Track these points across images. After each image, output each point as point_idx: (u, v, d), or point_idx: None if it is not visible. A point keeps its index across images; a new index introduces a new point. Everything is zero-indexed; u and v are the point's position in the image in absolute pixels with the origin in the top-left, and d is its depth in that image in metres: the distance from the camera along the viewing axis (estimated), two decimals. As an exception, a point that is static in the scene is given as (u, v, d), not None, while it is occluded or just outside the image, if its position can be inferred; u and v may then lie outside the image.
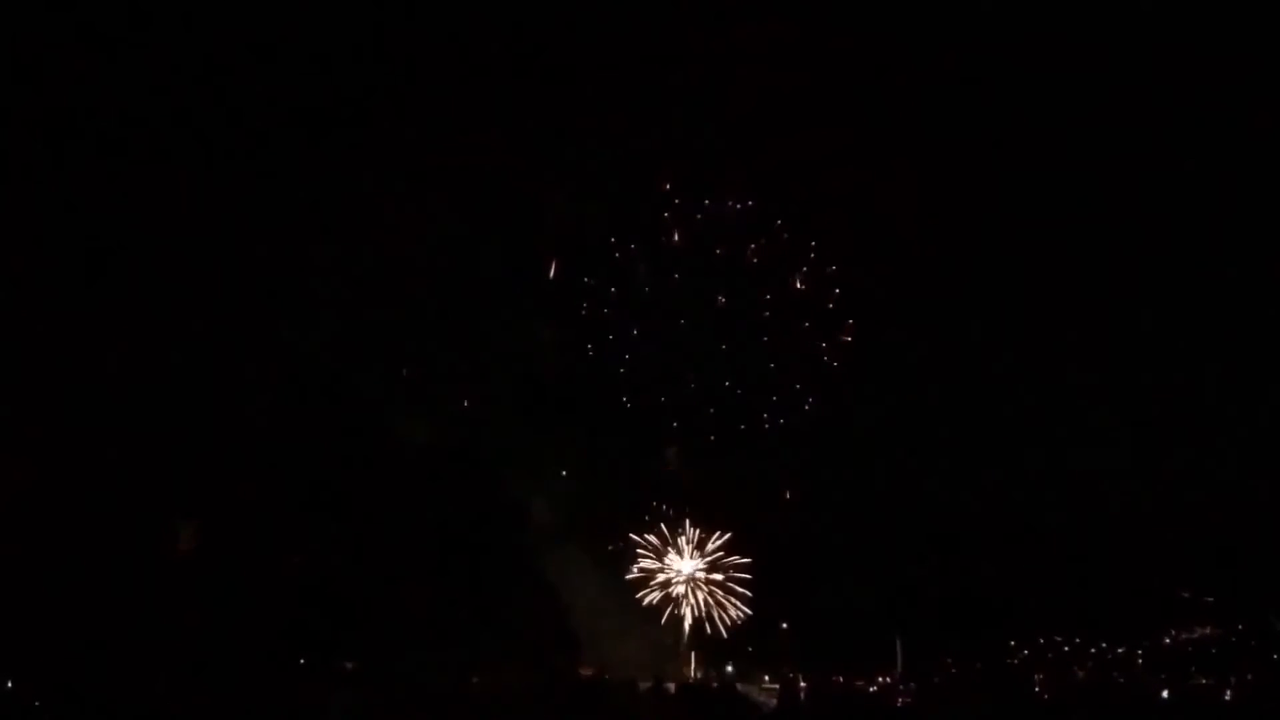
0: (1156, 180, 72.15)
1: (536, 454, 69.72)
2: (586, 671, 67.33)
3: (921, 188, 72.98)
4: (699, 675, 71.92)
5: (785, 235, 73.18)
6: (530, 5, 68.88)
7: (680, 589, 71.97)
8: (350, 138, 68.39)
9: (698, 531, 72.58)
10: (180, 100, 65.99)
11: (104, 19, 63.68)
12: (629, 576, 71.50)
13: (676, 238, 72.88)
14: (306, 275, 66.23)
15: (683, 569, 72.38)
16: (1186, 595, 72.81)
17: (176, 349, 64.50)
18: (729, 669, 73.00)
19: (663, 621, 71.62)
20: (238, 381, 65.10)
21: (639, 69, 69.83)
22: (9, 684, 58.10)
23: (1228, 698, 65.21)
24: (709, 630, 72.29)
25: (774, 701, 71.75)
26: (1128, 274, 73.85)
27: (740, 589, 72.25)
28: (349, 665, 64.09)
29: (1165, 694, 67.82)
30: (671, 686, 68.62)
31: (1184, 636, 71.26)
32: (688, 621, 71.75)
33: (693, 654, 72.33)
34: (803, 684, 72.65)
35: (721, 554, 72.43)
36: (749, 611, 72.19)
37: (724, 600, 72.27)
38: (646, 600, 71.44)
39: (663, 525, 72.63)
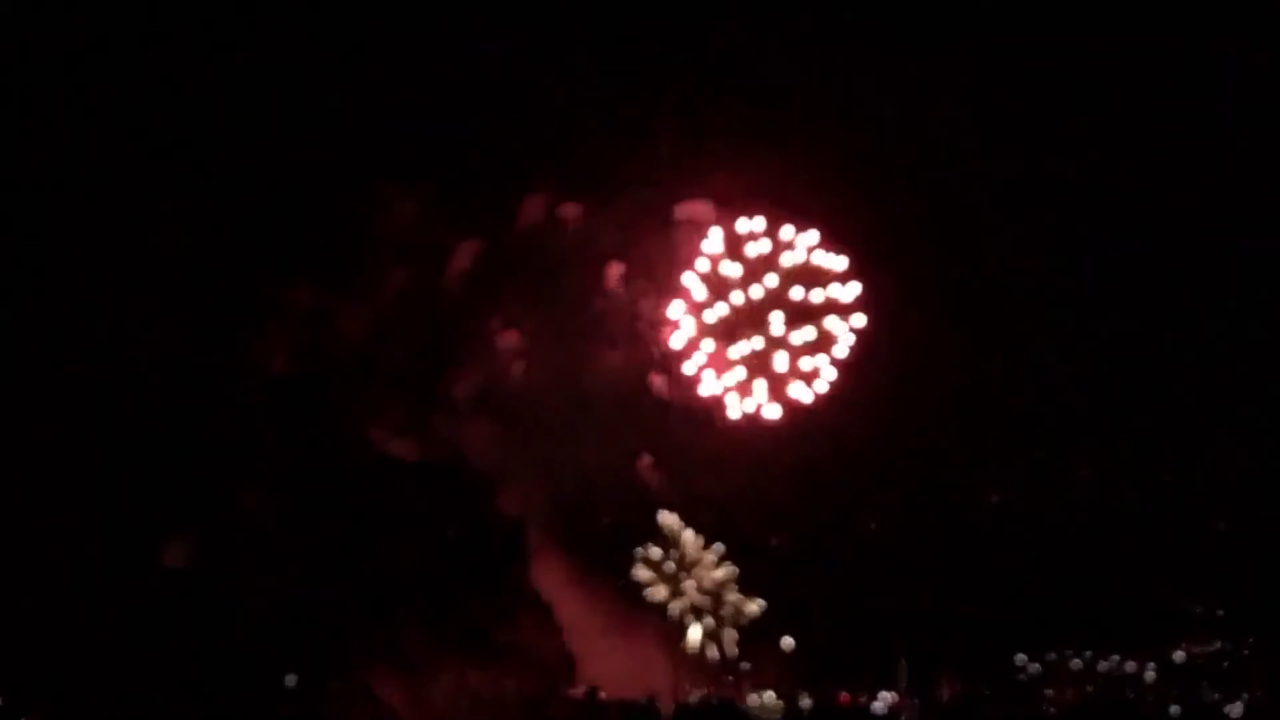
0: (1156, 178, 72.82)
1: (528, 466, 70.63)
2: (578, 690, 67.65)
3: (922, 190, 73.85)
4: (697, 693, 71.92)
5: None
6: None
7: (678, 604, 72.19)
8: (342, 144, 70.06)
9: (698, 543, 72.77)
10: (174, 102, 67.85)
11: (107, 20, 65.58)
12: (625, 590, 71.78)
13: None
14: (296, 286, 67.59)
15: (681, 584, 72.70)
16: (1198, 609, 72.77)
17: (169, 359, 66.00)
18: (730, 680, 72.69)
19: (659, 638, 71.74)
20: (227, 394, 66.34)
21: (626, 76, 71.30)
22: (-2, 702, 59.26)
23: (1234, 714, 64.90)
24: (708, 647, 72.36)
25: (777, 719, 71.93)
26: (1133, 276, 74.31)
27: (742, 604, 72.53)
28: (341, 682, 64.89)
29: (1177, 709, 67.52)
30: (670, 705, 68.79)
31: (1195, 650, 71.10)
32: (686, 638, 71.85)
33: (691, 671, 72.18)
34: (807, 701, 72.62)
35: (721, 570, 72.65)
36: (749, 626, 72.37)
37: (724, 615, 72.49)
38: (643, 616, 71.67)
39: (660, 538, 72.83)
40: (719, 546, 71.89)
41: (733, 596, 71.93)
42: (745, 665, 72.47)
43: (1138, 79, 72.41)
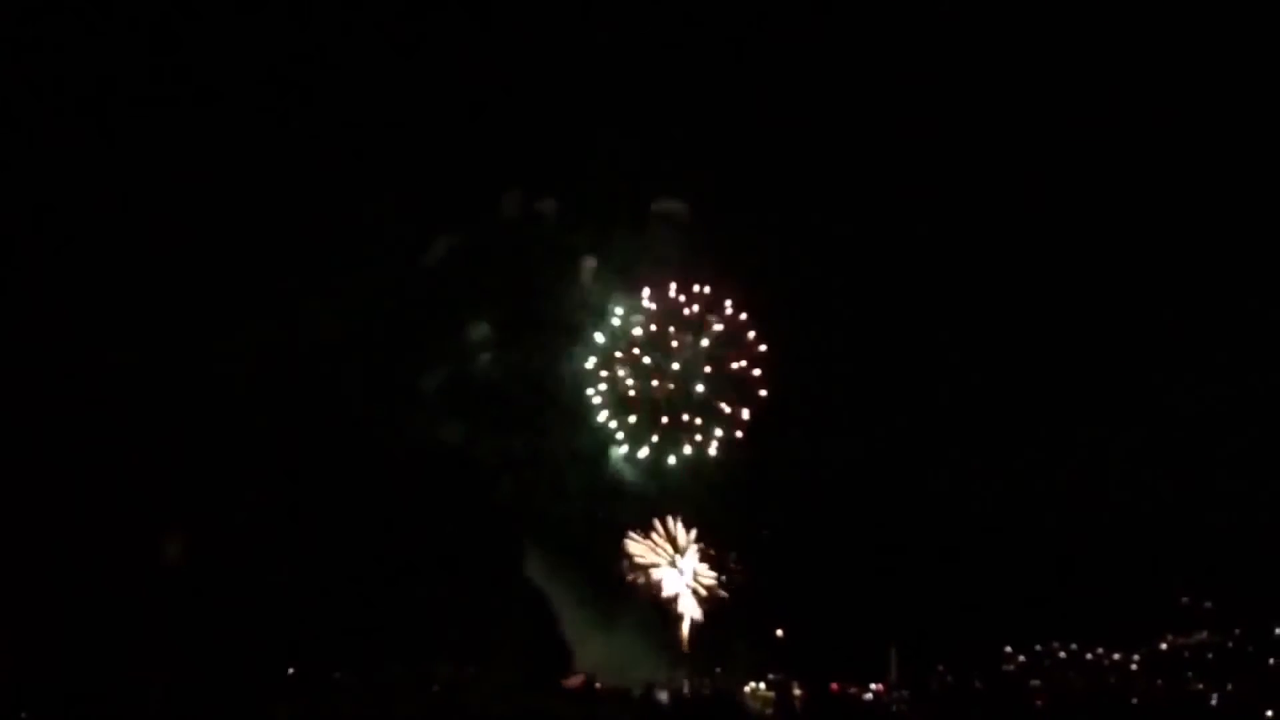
0: (1157, 180, 74.01)
1: (526, 459, 71.76)
2: (575, 680, 68.90)
3: (928, 184, 74.97)
4: (692, 683, 73.31)
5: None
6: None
7: (674, 593, 73.36)
8: (339, 147, 70.91)
9: (693, 535, 73.84)
10: (168, 100, 68.42)
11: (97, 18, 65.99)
12: (622, 581, 72.96)
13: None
14: (291, 284, 68.40)
15: (677, 573, 73.80)
16: (1185, 600, 74.43)
17: (165, 359, 66.71)
18: (718, 671, 74.05)
19: (656, 629, 72.99)
20: (226, 392, 67.17)
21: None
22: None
23: (1214, 703, 66.83)
24: (702, 637, 73.61)
25: (769, 710, 73.34)
26: (1126, 276, 75.63)
27: (734, 595, 73.75)
28: (337, 675, 65.80)
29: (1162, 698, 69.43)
30: (664, 695, 70.07)
31: (1181, 642, 72.78)
32: (681, 628, 73.15)
33: (686, 662, 73.54)
34: (798, 691, 74.09)
35: (715, 561, 73.85)
36: (743, 618, 73.64)
37: (718, 606, 73.71)
38: (639, 605, 72.83)
39: (656, 530, 73.96)
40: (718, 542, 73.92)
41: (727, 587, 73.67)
42: (737, 656, 74.25)
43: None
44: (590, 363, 74.34)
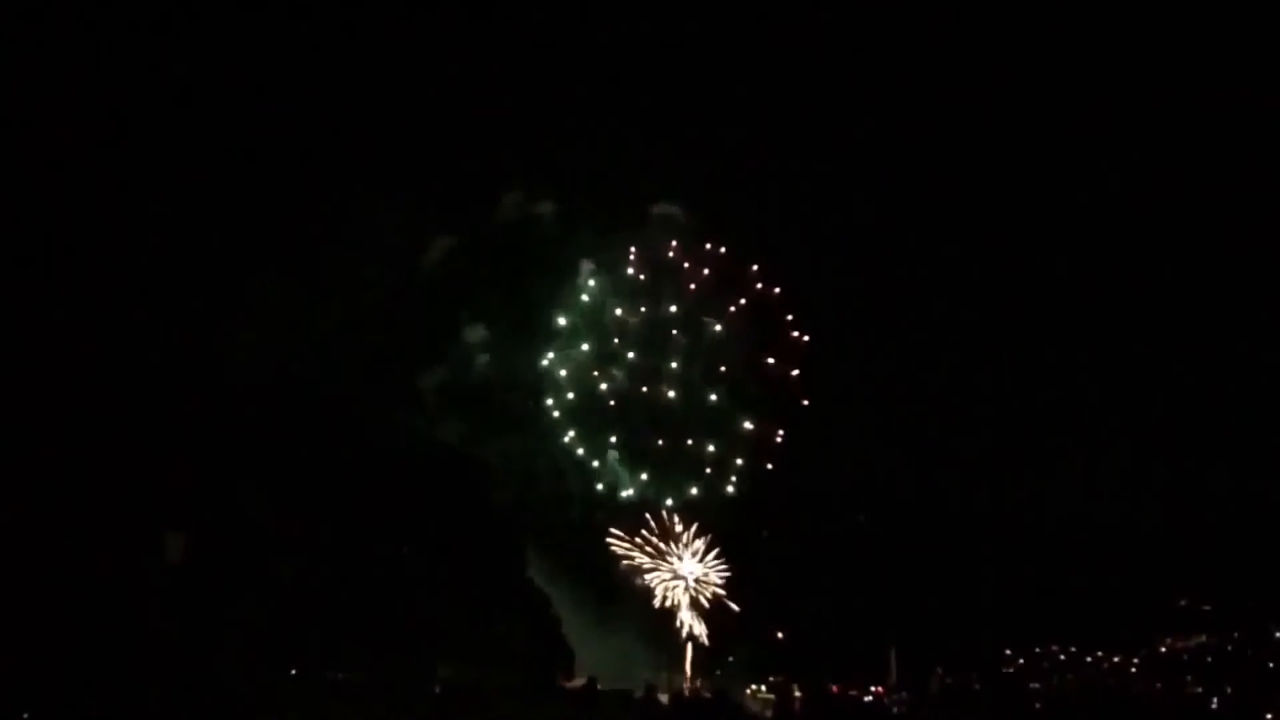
0: (1154, 184, 74.73)
1: (525, 461, 71.85)
2: (578, 682, 68.99)
3: (926, 187, 75.58)
4: (693, 685, 73.48)
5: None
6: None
7: (675, 595, 73.44)
8: (339, 147, 71.13)
9: (693, 532, 73.79)
10: (170, 106, 68.51)
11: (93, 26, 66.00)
12: (624, 583, 73.03)
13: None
14: (290, 284, 68.45)
15: (678, 576, 73.91)
16: (1184, 603, 74.90)
17: (163, 359, 66.55)
18: (718, 674, 74.17)
19: (656, 631, 73.07)
20: (225, 391, 67.07)
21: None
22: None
23: (1214, 705, 67.23)
24: (703, 639, 73.76)
25: (768, 712, 73.58)
26: (1125, 280, 76.34)
27: (734, 597, 73.88)
28: (340, 676, 65.62)
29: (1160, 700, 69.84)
30: (664, 697, 70.22)
31: (1180, 644, 73.22)
32: (681, 630, 73.30)
33: (686, 664, 73.67)
34: (798, 693, 74.33)
35: (716, 561, 73.95)
36: (743, 620, 73.81)
37: (718, 607, 73.83)
38: (640, 607, 72.89)
39: (651, 529, 73.99)
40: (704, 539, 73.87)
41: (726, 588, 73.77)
42: (737, 657, 74.47)
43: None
44: (548, 359, 71.47)
